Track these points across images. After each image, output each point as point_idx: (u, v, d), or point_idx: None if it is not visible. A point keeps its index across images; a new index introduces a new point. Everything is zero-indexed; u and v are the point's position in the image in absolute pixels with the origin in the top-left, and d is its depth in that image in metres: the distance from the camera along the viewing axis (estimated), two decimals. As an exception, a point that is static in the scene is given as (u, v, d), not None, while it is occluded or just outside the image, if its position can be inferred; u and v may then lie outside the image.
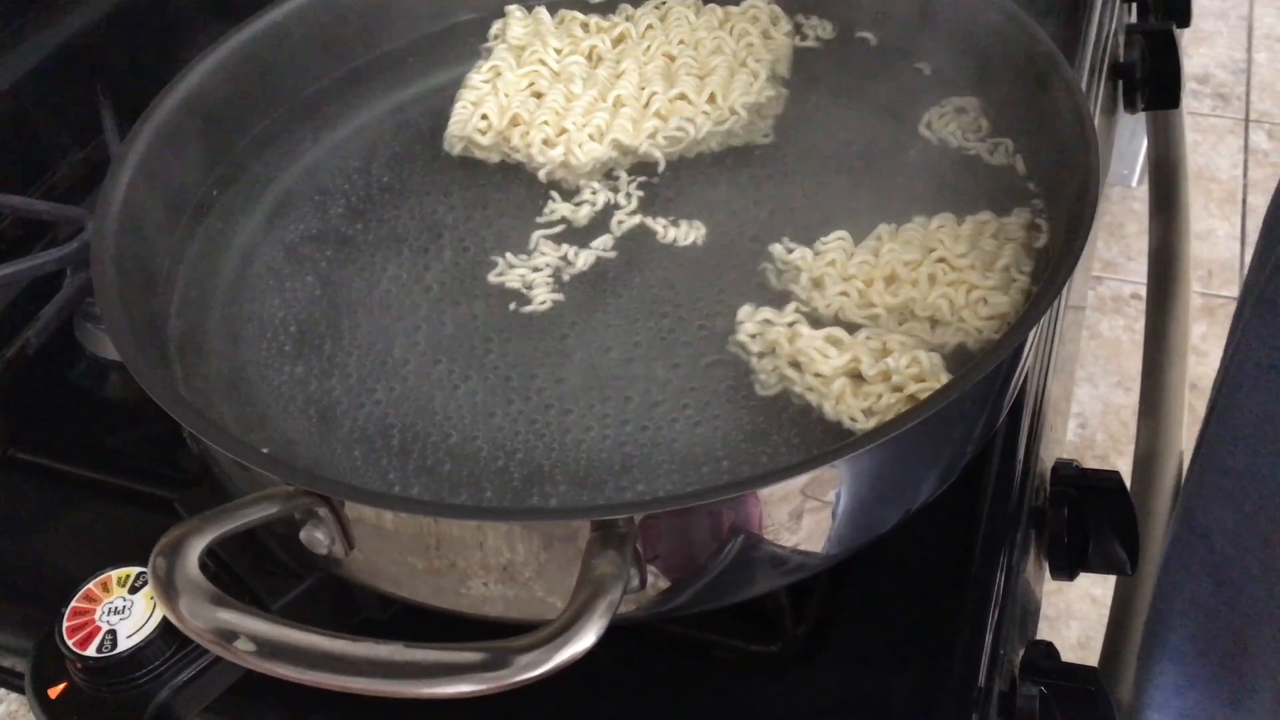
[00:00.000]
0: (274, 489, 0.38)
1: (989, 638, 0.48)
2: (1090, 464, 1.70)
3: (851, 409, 0.43)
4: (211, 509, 0.37)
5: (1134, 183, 1.80)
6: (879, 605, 0.48)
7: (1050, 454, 0.61)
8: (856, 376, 0.44)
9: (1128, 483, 0.57)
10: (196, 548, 0.35)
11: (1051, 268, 0.42)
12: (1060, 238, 0.48)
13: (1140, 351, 1.76)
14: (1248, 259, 1.94)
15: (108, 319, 0.44)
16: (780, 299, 0.49)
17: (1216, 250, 1.81)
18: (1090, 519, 0.57)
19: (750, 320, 0.47)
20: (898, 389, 0.43)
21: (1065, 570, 0.57)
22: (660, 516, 0.37)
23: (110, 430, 0.60)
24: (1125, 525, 0.57)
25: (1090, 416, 1.62)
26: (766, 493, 0.37)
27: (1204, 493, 0.51)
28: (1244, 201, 1.87)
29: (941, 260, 0.47)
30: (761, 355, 0.46)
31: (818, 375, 0.44)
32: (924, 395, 0.43)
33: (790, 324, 0.46)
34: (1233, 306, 1.79)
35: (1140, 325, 1.73)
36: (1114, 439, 1.62)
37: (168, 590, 0.34)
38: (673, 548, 0.39)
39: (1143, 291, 1.75)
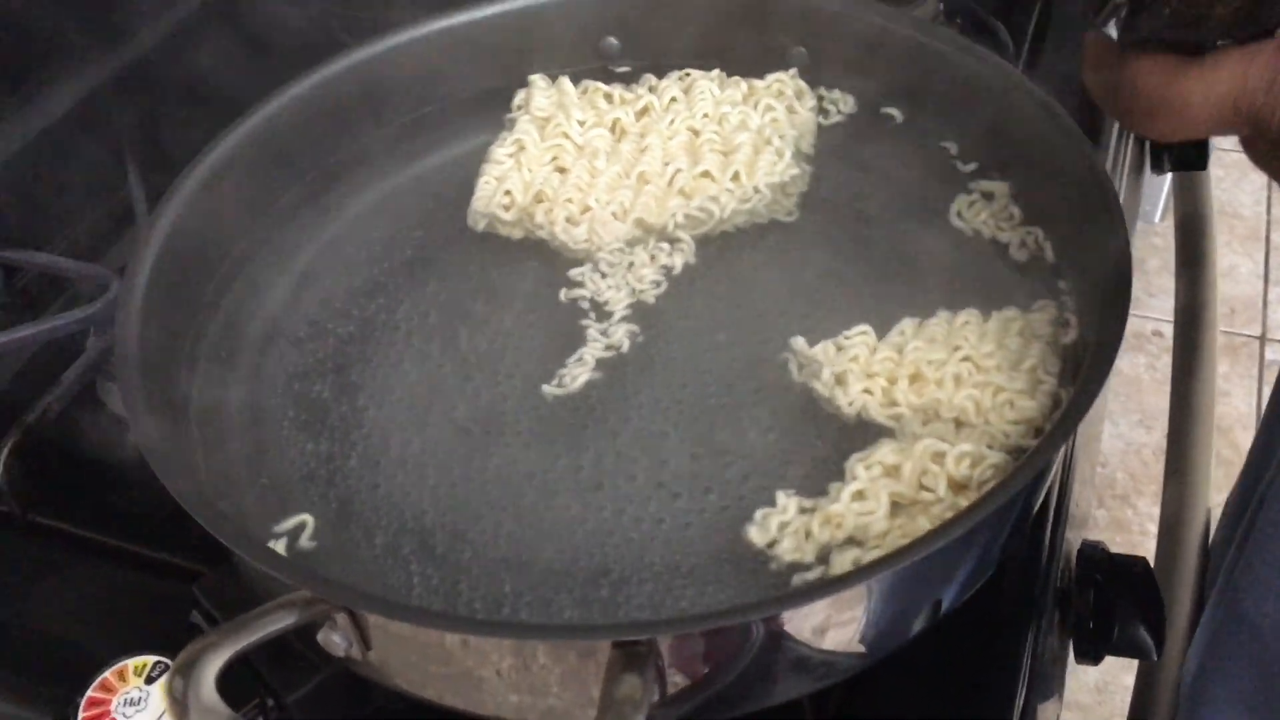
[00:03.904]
0: (293, 596, 0.38)
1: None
2: (1110, 503, 1.68)
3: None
4: (229, 622, 0.37)
5: (1156, 218, 1.79)
6: (902, 698, 0.48)
7: (1076, 533, 0.61)
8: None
9: (1153, 548, 0.57)
10: (214, 666, 0.35)
11: (1081, 381, 0.41)
12: (1089, 331, 0.48)
13: (1161, 389, 1.75)
14: (1271, 297, 1.92)
15: (132, 414, 0.44)
16: (801, 399, 0.48)
17: (1240, 287, 1.79)
18: (1117, 603, 0.56)
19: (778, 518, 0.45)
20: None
21: (1090, 655, 0.57)
22: (682, 637, 0.36)
23: (129, 493, 0.59)
24: (1152, 610, 0.56)
25: (1110, 455, 1.61)
26: (792, 612, 0.37)
27: (1255, 587, 0.50)
28: (1267, 239, 1.86)
29: (967, 359, 0.46)
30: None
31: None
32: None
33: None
34: (1255, 345, 1.78)
35: (1161, 362, 1.72)
36: (1134, 479, 1.61)
37: (182, 714, 0.33)
38: (696, 663, 0.38)
39: (1164, 329, 1.74)
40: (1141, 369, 1.73)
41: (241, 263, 0.57)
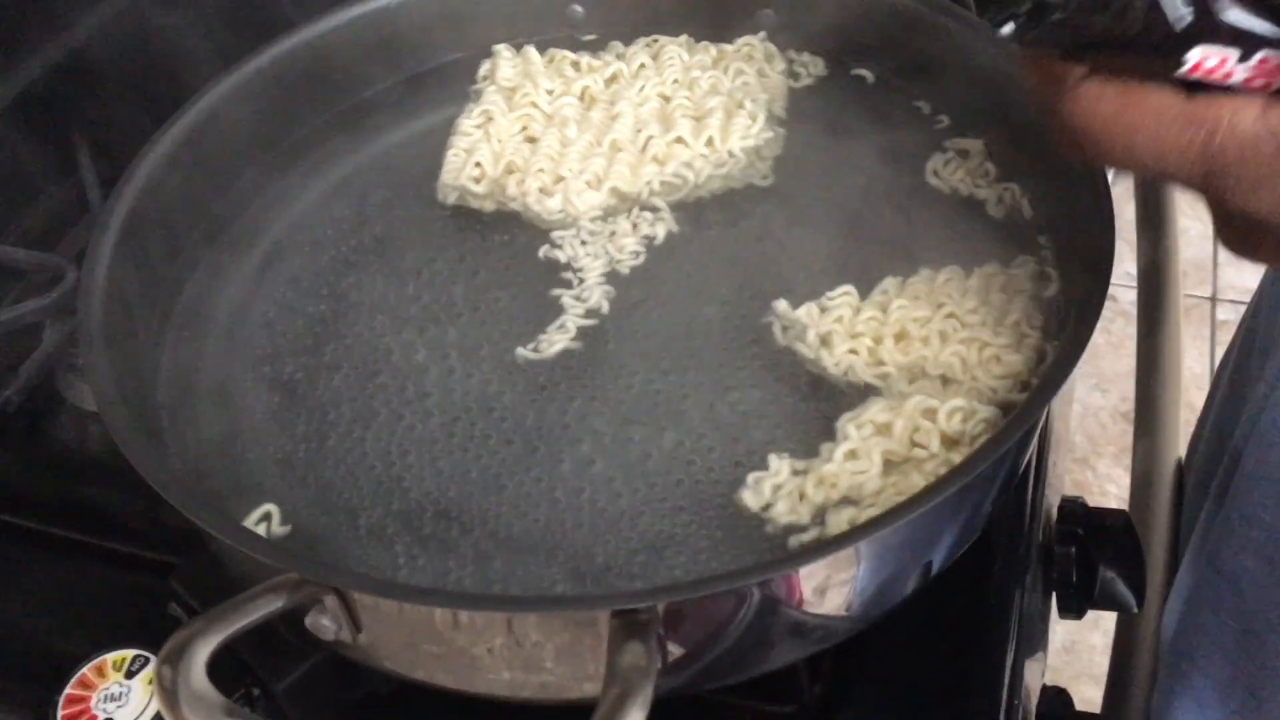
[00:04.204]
0: (280, 579, 0.37)
1: (1005, 690, 0.48)
2: (1070, 467, 1.69)
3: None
4: (215, 607, 0.36)
5: (1110, 174, 1.80)
6: (893, 659, 0.48)
7: (1054, 493, 0.61)
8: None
9: (1113, 508, 0.57)
10: (203, 653, 0.34)
11: (1070, 333, 0.41)
12: (1070, 285, 0.48)
13: (1116, 353, 1.77)
14: (1221, 258, 1.95)
15: (101, 401, 0.42)
16: (786, 362, 0.48)
17: (1190, 250, 1.81)
18: (1098, 558, 0.56)
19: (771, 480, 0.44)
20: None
21: (1074, 610, 0.57)
22: (683, 603, 0.36)
23: (94, 487, 0.58)
24: (1133, 563, 0.57)
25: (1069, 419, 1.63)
26: (791, 574, 0.37)
27: (1232, 541, 0.50)
28: (1216, 200, 1.88)
29: (951, 316, 0.46)
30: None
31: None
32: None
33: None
34: (1206, 306, 1.81)
35: (1115, 326, 1.74)
36: (1093, 441, 1.63)
37: (172, 703, 0.32)
38: (696, 630, 0.38)
39: (1118, 293, 1.76)
40: (1097, 333, 1.75)
41: (204, 245, 0.55)
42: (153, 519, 0.54)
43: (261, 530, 0.45)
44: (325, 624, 0.39)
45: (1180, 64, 0.28)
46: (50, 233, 0.69)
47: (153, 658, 0.45)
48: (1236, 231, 0.31)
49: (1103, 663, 1.45)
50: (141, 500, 0.55)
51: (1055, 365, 0.42)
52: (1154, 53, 0.29)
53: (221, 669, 0.37)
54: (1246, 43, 0.28)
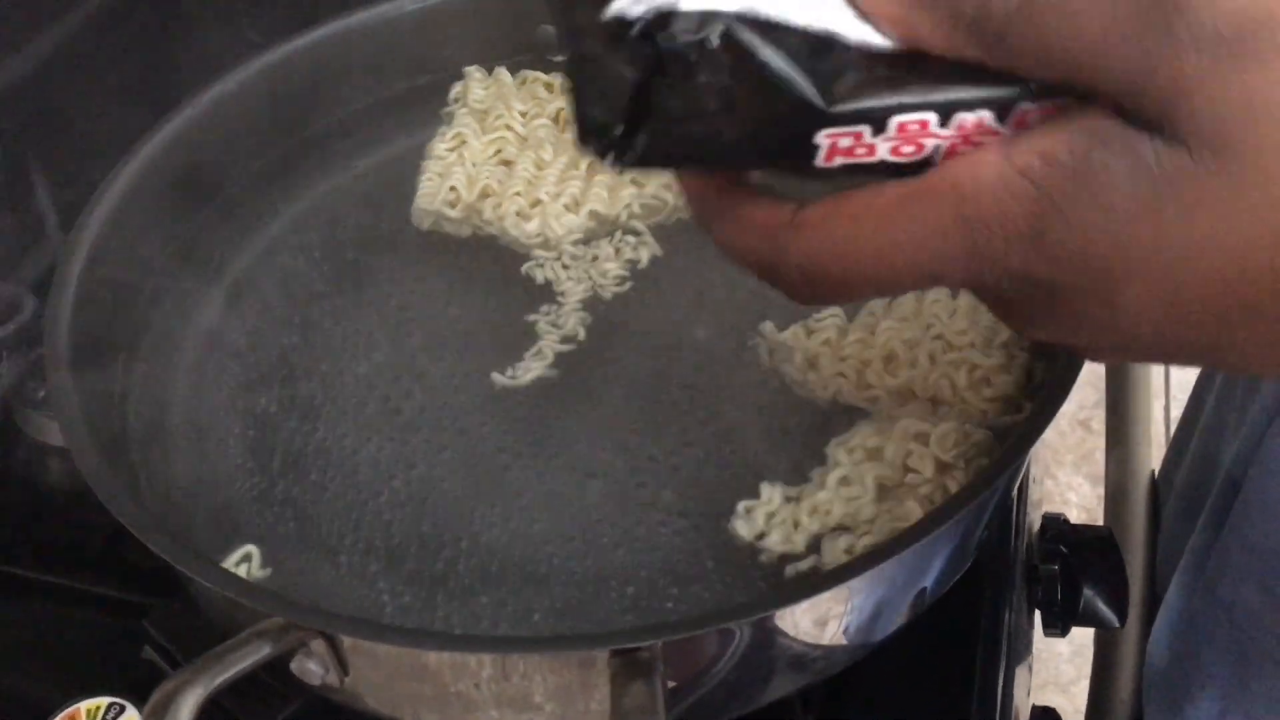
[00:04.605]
0: (266, 624, 0.36)
1: (998, 715, 0.47)
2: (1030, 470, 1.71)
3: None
4: (201, 656, 0.34)
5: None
6: (886, 686, 0.47)
7: (1036, 509, 0.61)
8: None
9: (1076, 516, 0.57)
10: (190, 705, 0.33)
11: (1064, 361, 0.41)
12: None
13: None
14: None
15: (69, 435, 0.41)
16: (773, 385, 0.47)
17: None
18: (1082, 575, 0.56)
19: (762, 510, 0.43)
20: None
21: (1058, 627, 0.57)
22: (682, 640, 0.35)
23: (58, 525, 0.56)
24: (1116, 581, 0.57)
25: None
26: (787, 610, 0.36)
27: (1231, 571, 0.50)
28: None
29: (939, 337, 0.46)
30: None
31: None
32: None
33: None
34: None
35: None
36: (1053, 450, 1.64)
37: (163, 760, 0.31)
38: (693, 666, 0.37)
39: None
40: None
41: (171, 275, 0.53)
42: (119, 557, 0.52)
43: (242, 571, 0.44)
44: (312, 668, 0.37)
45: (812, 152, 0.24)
46: (3, 261, 0.67)
47: (128, 705, 0.43)
48: (1023, 303, 0.25)
49: (1069, 671, 1.45)
50: (107, 538, 0.54)
51: (1050, 389, 0.42)
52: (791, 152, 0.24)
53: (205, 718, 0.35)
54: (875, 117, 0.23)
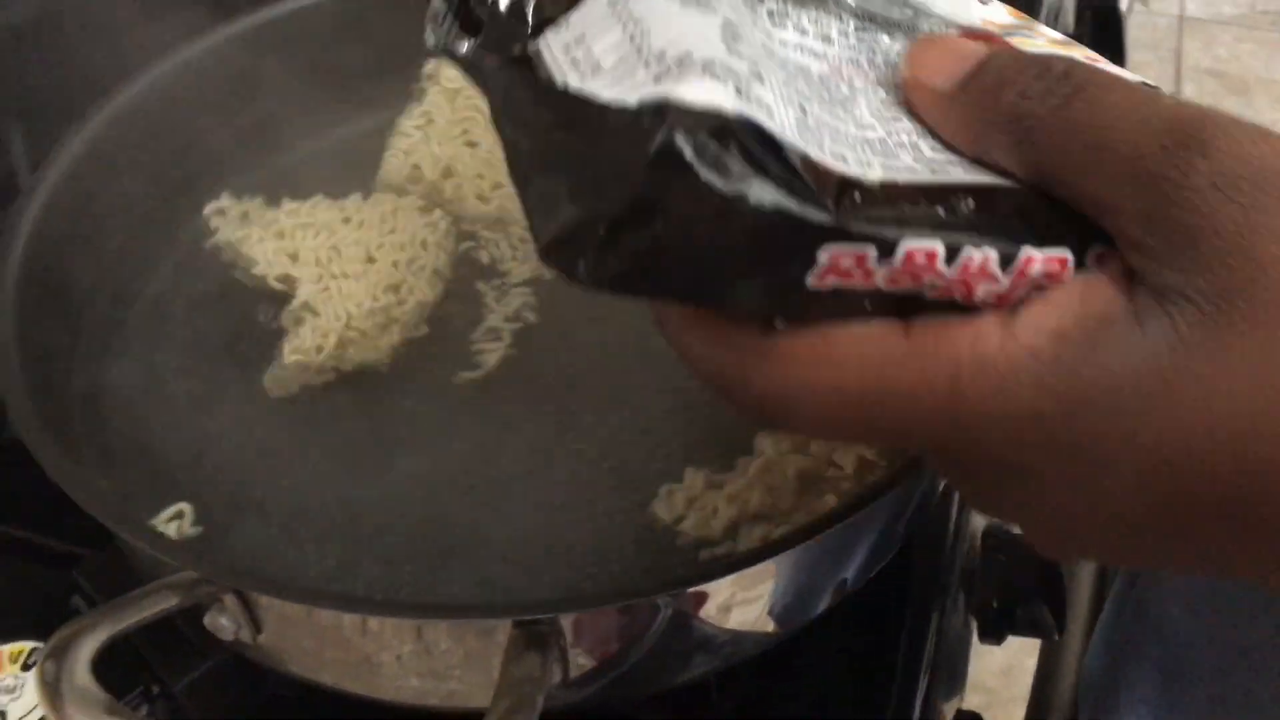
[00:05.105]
0: (175, 577, 0.36)
1: (918, 710, 0.48)
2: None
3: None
4: (106, 603, 0.35)
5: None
6: (808, 676, 0.47)
7: (979, 516, 0.61)
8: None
9: None
10: (89, 648, 0.33)
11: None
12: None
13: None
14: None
15: (9, 392, 0.41)
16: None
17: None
18: (1019, 582, 0.57)
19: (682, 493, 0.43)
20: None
21: (994, 635, 0.57)
22: (586, 615, 0.35)
23: None
24: (1054, 589, 0.57)
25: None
26: (698, 589, 0.36)
27: (1160, 588, 0.50)
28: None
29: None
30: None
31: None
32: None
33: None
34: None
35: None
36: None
37: (54, 699, 0.31)
38: (601, 643, 0.37)
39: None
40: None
41: (127, 240, 0.54)
42: (60, 509, 0.53)
43: (173, 528, 0.45)
44: (224, 623, 0.38)
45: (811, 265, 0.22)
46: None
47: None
48: (990, 484, 0.24)
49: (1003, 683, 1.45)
50: (50, 490, 0.54)
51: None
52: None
53: (119, 666, 0.36)
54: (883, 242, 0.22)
